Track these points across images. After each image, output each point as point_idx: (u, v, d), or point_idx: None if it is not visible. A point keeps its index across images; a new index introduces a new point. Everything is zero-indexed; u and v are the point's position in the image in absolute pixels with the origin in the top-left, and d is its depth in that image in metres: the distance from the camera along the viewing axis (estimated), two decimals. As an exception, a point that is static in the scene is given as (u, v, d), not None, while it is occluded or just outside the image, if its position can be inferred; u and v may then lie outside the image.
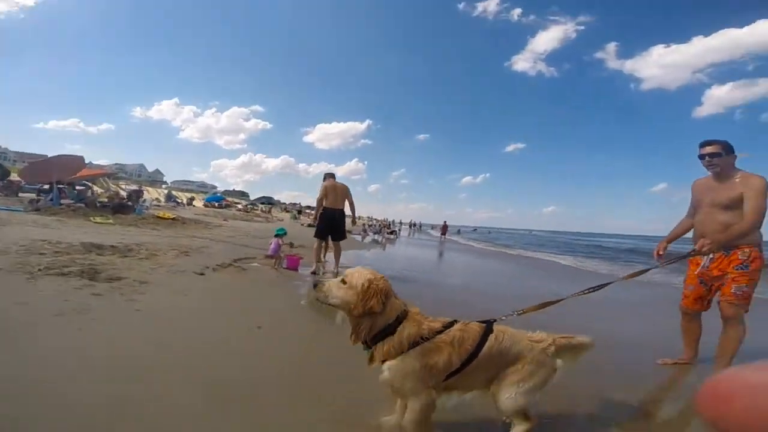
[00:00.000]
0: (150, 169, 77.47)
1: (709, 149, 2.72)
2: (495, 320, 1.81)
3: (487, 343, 1.70)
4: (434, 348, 1.66)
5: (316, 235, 6.33)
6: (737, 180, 2.66)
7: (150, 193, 22.04)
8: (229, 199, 44.20)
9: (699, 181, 2.94)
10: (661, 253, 2.93)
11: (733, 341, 2.61)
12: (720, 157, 2.69)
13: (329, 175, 6.88)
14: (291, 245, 6.34)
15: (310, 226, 20.01)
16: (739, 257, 2.57)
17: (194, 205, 28.21)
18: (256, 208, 39.55)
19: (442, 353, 1.66)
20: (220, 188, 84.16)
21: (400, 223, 31.91)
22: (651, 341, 3.63)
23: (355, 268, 1.74)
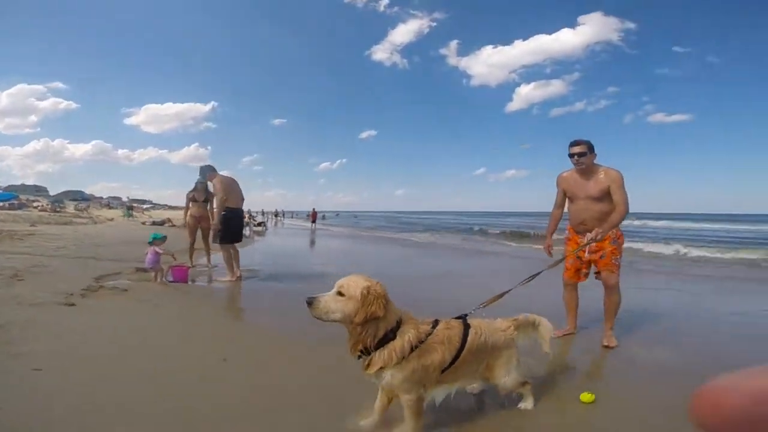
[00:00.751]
0: None
1: (577, 149, 3.07)
2: (467, 314, 2.01)
3: (469, 338, 1.85)
4: (429, 349, 1.75)
5: (225, 240, 5.57)
6: (602, 175, 3.08)
7: None
8: (23, 196, 33.74)
9: (564, 174, 3.30)
10: (551, 252, 3.44)
11: (615, 303, 3.16)
12: (586, 156, 3.07)
13: (210, 168, 5.94)
14: (174, 257, 5.47)
15: (155, 224, 17.24)
16: (611, 236, 3.07)
17: (-33, 208, 20.61)
18: (63, 206, 31.31)
19: (436, 353, 1.76)
20: (0, 183, 62.94)
21: (262, 213, 30.06)
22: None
23: (349, 276, 1.70)
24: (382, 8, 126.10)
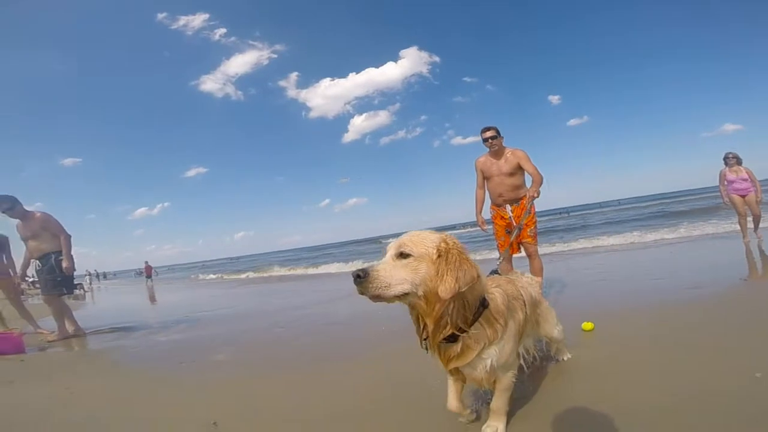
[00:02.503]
0: None
1: (489, 134, 3.48)
2: (496, 269, 1.82)
3: (523, 293, 1.57)
4: (513, 307, 1.42)
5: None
6: (509, 155, 3.48)
7: None
8: None
9: (480, 159, 3.66)
10: (485, 227, 3.72)
11: (539, 269, 3.50)
12: (496, 138, 3.48)
13: (11, 200, 4.35)
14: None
15: None
16: (525, 204, 3.39)
17: None
18: None
19: (519, 311, 1.45)
20: None
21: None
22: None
23: (408, 234, 1.22)
24: (217, 37, 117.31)
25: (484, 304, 1.25)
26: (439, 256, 1.15)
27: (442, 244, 1.17)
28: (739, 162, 6.19)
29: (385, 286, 1.11)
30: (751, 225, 6.22)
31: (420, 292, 1.14)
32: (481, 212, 3.82)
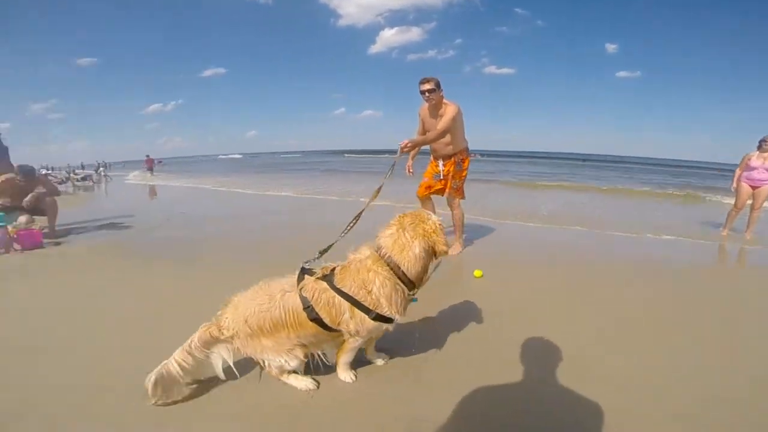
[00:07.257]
0: None
1: (426, 86, 3.33)
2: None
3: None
4: None
5: None
6: (443, 109, 3.39)
7: None
8: None
9: (423, 107, 3.55)
10: (411, 171, 3.84)
11: (459, 218, 3.71)
12: (434, 92, 3.33)
13: None
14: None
15: None
16: (455, 160, 3.53)
17: None
18: None
19: None
20: None
21: (82, 167, 24.25)
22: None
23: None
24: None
25: None
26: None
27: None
28: None
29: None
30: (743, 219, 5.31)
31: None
32: (413, 158, 3.91)
